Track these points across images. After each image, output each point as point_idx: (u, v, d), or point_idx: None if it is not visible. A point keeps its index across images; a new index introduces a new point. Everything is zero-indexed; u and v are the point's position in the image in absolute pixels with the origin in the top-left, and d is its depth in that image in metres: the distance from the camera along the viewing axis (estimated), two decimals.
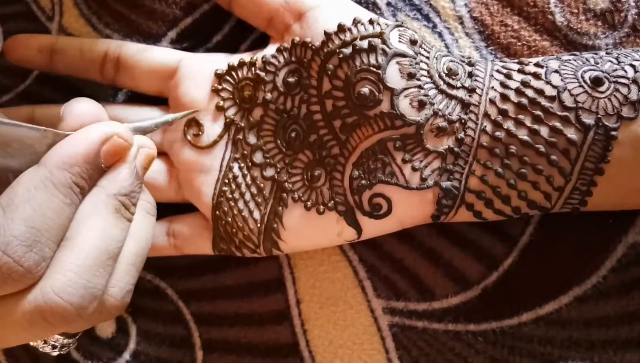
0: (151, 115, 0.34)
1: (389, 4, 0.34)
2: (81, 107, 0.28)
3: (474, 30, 0.33)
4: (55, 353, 0.29)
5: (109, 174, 0.28)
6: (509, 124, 0.28)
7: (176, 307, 0.36)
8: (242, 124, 0.32)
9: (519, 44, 0.33)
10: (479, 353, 0.32)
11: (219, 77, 0.33)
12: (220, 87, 0.33)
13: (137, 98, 0.36)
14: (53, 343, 0.28)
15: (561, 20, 0.32)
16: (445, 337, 0.33)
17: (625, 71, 0.28)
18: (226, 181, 0.32)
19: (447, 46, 0.33)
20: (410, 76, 0.29)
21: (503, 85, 0.29)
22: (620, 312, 0.31)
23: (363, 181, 0.30)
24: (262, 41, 0.34)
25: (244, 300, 0.35)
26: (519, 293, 0.32)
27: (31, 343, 0.28)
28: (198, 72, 0.33)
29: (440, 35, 0.33)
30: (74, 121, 0.28)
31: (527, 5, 0.33)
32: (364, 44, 0.29)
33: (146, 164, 0.29)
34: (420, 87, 0.29)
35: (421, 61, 0.29)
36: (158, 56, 0.34)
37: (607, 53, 0.29)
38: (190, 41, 0.36)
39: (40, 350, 0.28)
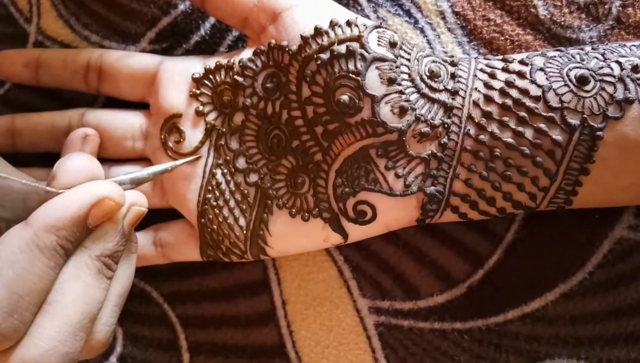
0: (132, 120, 0.33)
1: (370, 0, 0.33)
2: (75, 164, 0.28)
3: (456, 26, 0.33)
4: None
5: (94, 234, 0.27)
6: (493, 127, 0.28)
7: (162, 310, 0.36)
8: (224, 130, 0.32)
9: (502, 38, 0.32)
10: (465, 351, 0.32)
11: (197, 81, 0.32)
12: (198, 91, 0.32)
13: (118, 102, 0.35)
14: None
15: (544, 13, 0.32)
16: (431, 336, 0.32)
17: (612, 69, 0.27)
18: (210, 188, 0.32)
19: (429, 42, 0.33)
20: (391, 81, 0.28)
21: (487, 85, 0.28)
22: (606, 308, 0.31)
23: (346, 189, 0.30)
24: (243, 39, 0.34)
25: (229, 302, 0.35)
26: (505, 291, 0.32)
27: None
28: (177, 76, 0.32)
29: (422, 31, 0.33)
30: (67, 178, 0.27)
31: None
32: (342, 49, 0.28)
33: (135, 222, 0.29)
34: (401, 92, 0.28)
35: (402, 64, 0.29)
36: (138, 61, 0.33)
37: (593, 49, 0.29)
38: (170, 41, 0.35)
39: None
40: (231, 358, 0.35)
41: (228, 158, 0.32)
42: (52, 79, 0.34)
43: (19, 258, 0.24)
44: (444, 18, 0.33)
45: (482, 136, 0.28)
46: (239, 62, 0.31)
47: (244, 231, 0.31)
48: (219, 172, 0.32)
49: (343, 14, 0.30)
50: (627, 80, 0.27)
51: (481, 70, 0.29)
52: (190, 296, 0.35)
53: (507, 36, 0.32)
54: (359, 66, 0.28)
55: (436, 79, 0.29)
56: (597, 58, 0.28)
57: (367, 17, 0.33)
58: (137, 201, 0.29)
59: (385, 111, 0.28)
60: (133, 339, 0.36)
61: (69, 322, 0.25)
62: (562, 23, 0.32)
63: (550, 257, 0.31)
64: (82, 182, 0.27)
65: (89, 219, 0.26)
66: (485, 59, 0.30)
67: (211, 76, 0.32)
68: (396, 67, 0.28)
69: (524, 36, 0.32)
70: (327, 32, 0.29)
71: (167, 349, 0.36)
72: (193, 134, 0.32)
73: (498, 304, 0.32)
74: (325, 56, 0.29)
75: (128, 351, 0.36)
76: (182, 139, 0.32)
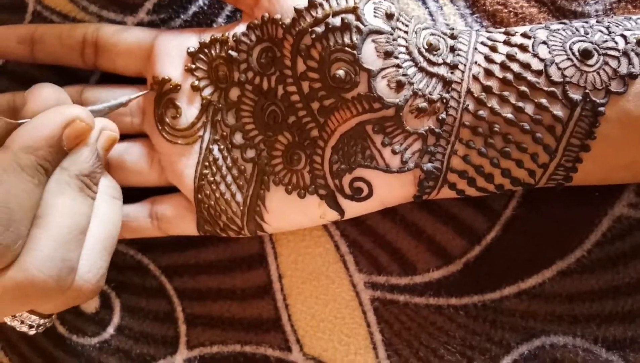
0: (123, 93, 0.33)
1: None
2: (44, 92, 0.29)
3: None
4: (32, 332, 0.29)
5: (71, 156, 0.28)
6: (492, 102, 0.27)
7: (159, 282, 0.36)
8: (220, 105, 0.31)
9: (506, 11, 0.31)
10: (460, 327, 0.32)
11: (192, 55, 0.32)
12: (193, 66, 0.32)
13: (115, 77, 0.34)
14: (29, 323, 0.28)
15: None
16: (426, 311, 0.32)
17: (616, 42, 0.26)
18: (206, 163, 0.32)
19: (431, 14, 0.32)
20: (388, 55, 0.28)
21: (487, 59, 0.28)
22: (604, 286, 0.31)
23: (342, 166, 0.29)
24: (240, 10, 0.33)
25: (226, 275, 0.35)
26: (502, 267, 0.32)
27: (8, 322, 0.28)
28: (172, 50, 0.32)
29: (424, 2, 0.32)
30: (37, 105, 0.28)
31: None
32: (337, 21, 0.28)
33: (107, 146, 0.30)
34: (398, 65, 0.28)
35: (399, 37, 0.28)
36: (134, 35, 0.33)
37: (597, 22, 0.28)
38: (167, 12, 0.35)
39: (18, 329, 0.28)
40: (228, 330, 0.35)
41: (225, 133, 0.31)
42: (48, 56, 0.34)
43: (3, 178, 0.26)
44: None
45: (481, 112, 0.27)
46: (233, 36, 0.31)
47: (241, 207, 0.31)
48: (215, 148, 0.32)
49: None
50: (632, 54, 0.26)
51: (482, 43, 0.28)
52: (187, 269, 0.35)
53: (510, 8, 0.31)
54: (354, 39, 0.27)
55: (435, 52, 0.28)
56: (601, 31, 0.27)
57: None
58: (108, 126, 0.30)
59: (381, 86, 0.28)
60: (130, 311, 0.36)
61: (60, 232, 0.27)
62: None
63: (549, 234, 0.31)
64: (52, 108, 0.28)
65: (64, 141, 0.28)
66: (486, 31, 0.29)
67: (206, 50, 0.31)
68: (393, 39, 0.28)
69: (528, 9, 0.31)
70: (321, 4, 0.28)
71: (164, 321, 0.36)
72: (189, 110, 0.32)
73: (494, 280, 0.32)
74: (320, 29, 0.28)
75: (125, 322, 0.36)
76: (178, 115, 0.32)
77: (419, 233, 0.32)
